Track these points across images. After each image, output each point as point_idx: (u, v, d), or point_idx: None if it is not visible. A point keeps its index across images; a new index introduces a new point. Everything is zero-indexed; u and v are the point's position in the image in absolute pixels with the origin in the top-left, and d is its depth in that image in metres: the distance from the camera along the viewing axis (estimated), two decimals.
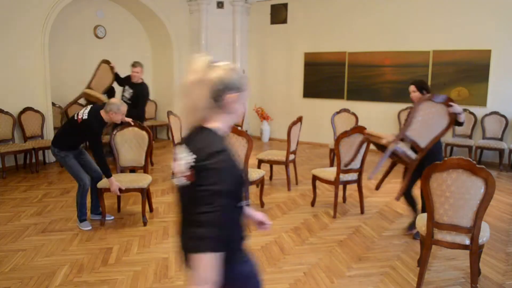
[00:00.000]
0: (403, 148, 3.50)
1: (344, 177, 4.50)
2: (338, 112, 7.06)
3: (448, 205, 2.81)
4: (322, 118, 8.52)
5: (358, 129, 4.36)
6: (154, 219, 4.42)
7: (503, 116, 6.93)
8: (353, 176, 4.56)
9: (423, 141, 3.55)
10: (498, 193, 5.46)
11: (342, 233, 4.07)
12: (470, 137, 7.20)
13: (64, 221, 4.34)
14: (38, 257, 3.49)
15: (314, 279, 3.18)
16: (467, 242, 2.82)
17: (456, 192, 2.76)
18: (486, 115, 7.07)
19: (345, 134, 4.34)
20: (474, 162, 2.68)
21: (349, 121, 7.00)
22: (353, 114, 7.02)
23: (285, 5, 9.21)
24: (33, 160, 6.45)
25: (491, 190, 2.66)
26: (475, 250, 2.80)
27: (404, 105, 7.86)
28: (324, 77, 8.84)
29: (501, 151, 6.67)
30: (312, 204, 4.90)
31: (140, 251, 3.64)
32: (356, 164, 4.47)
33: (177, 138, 6.00)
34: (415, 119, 3.54)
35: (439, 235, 2.91)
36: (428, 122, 3.55)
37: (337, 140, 4.36)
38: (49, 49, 6.92)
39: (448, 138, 7.35)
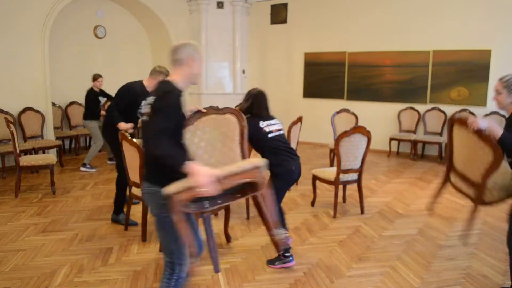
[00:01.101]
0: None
1: (344, 177, 4.50)
2: (338, 112, 7.06)
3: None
4: (322, 118, 8.51)
5: (358, 129, 4.35)
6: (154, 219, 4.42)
7: (503, 116, 6.93)
8: (353, 176, 4.56)
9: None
10: None
11: (342, 233, 4.07)
12: None
13: (64, 221, 4.35)
14: (38, 257, 3.49)
15: (314, 279, 3.18)
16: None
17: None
18: (486, 115, 7.07)
19: (345, 134, 4.31)
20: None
21: (349, 121, 7.00)
22: (353, 114, 7.02)
23: (285, 5, 9.21)
24: None
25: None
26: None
27: (404, 105, 7.87)
28: (324, 77, 8.84)
29: None
30: (312, 204, 4.90)
31: (140, 251, 3.64)
32: (356, 164, 4.47)
33: None
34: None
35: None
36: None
37: (337, 140, 4.34)
38: (49, 49, 6.92)
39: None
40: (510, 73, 2.66)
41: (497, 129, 2.53)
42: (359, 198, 4.67)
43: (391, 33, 7.93)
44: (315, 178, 4.81)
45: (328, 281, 3.14)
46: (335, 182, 4.46)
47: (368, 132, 4.38)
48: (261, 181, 2.17)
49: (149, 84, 4.13)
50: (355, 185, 4.67)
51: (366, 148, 4.45)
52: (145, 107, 2.19)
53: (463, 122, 2.79)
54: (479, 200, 2.80)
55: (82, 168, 6.50)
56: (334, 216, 4.48)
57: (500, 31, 6.92)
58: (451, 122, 3.11)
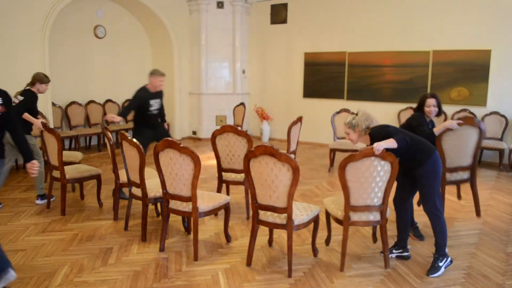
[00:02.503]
0: None
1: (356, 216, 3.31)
2: (338, 112, 7.07)
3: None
4: (322, 118, 8.51)
5: (368, 152, 3.05)
6: (154, 219, 4.43)
7: (503, 116, 6.94)
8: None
9: None
10: (498, 193, 5.46)
11: (342, 233, 4.05)
12: None
13: (64, 221, 4.35)
14: (38, 257, 3.50)
15: (314, 279, 3.18)
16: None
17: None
18: (486, 115, 7.07)
19: (353, 158, 3.07)
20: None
21: None
22: (353, 114, 7.01)
23: (285, 5, 9.21)
24: None
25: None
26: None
27: (404, 105, 7.86)
28: (324, 77, 8.84)
29: (501, 151, 6.67)
30: (327, 243, 3.86)
31: (140, 251, 3.64)
32: (372, 200, 3.25)
33: None
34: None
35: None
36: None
37: (343, 165, 3.12)
38: (49, 49, 6.92)
39: None
40: (350, 117, 3.42)
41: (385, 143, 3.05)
42: None
43: (391, 33, 7.93)
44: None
45: (328, 281, 3.14)
46: (345, 222, 3.31)
47: (390, 155, 3.09)
48: None
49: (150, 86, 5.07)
50: None
51: (390, 179, 3.18)
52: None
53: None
54: None
55: None
56: None
57: (500, 31, 6.92)
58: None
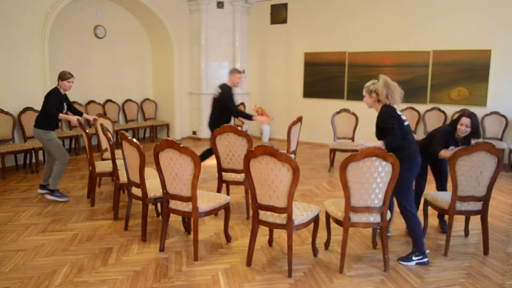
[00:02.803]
0: None
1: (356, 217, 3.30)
2: (338, 112, 7.07)
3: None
4: (322, 118, 8.51)
5: (369, 151, 3.04)
6: (154, 219, 4.43)
7: (503, 116, 6.94)
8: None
9: None
10: (498, 193, 5.46)
11: (342, 233, 4.05)
12: None
13: (64, 221, 4.35)
14: (38, 257, 3.50)
15: (314, 279, 3.18)
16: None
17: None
18: (486, 115, 7.08)
19: (354, 158, 3.04)
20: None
21: (349, 121, 7.01)
22: (353, 114, 7.02)
23: (285, 5, 9.21)
24: (33, 160, 6.46)
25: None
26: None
27: (404, 105, 7.85)
28: (324, 77, 8.84)
29: (501, 151, 6.66)
30: (326, 246, 3.79)
31: (140, 251, 3.65)
32: (373, 202, 3.23)
33: None
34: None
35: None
36: None
37: (344, 165, 3.09)
38: (49, 49, 6.92)
39: None
40: (371, 81, 3.51)
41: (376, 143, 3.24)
42: None
43: (391, 33, 7.93)
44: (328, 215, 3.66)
45: (328, 281, 3.14)
46: (345, 223, 3.29)
47: (392, 156, 3.07)
48: None
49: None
50: None
51: (391, 181, 3.16)
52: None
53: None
54: None
55: None
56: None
57: (500, 31, 6.92)
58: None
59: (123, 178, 4.26)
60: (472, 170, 3.44)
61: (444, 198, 3.72)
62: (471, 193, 3.51)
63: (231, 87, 5.53)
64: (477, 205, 3.58)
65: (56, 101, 4.88)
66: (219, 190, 4.51)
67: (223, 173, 4.51)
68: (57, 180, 5.02)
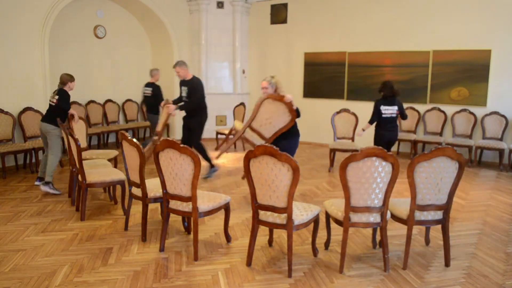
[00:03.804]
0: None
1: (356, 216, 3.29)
2: (338, 112, 7.07)
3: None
4: (322, 118, 8.52)
5: (370, 151, 3.03)
6: (154, 219, 4.43)
7: (503, 116, 6.94)
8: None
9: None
10: (498, 193, 5.47)
11: (341, 233, 4.05)
12: (470, 137, 7.21)
13: (64, 221, 4.35)
14: (38, 257, 3.49)
15: (314, 279, 3.18)
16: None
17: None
18: (486, 115, 7.08)
19: (354, 157, 3.05)
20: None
21: (349, 121, 7.01)
22: (353, 114, 7.02)
23: (285, 5, 9.21)
24: (33, 160, 6.45)
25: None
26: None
27: (404, 105, 7.83)
28: (324, 77, 8.84)
29: (501, 151, 6.68)
30: (326, 246, 3.77)
31: (140, 251, 3.65)
32: (372, 202, 3.23)
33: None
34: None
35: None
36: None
37: (344, 165, 3.08)
38: (49, 49, 6.92)
39: (448, 138, 7.35)
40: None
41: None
42: None
43: (391, 33, 7.93)
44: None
45: (328, 281, 3.14)
46: (345, 223, 3.28)
47: (391, 156, 3.10)
48: None
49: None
50: None
51: (391, 181, 3.18)
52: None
53: (279, 98, 4.46)
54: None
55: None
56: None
57: (500, 31, 6.92)
58: (267, 97, 4.55)
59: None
60: (431, 177, 3.20)
61: (401, 206, 3.44)
62: (431, 202, 3.28)
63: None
64: (438, 214, 3.34)
65: (69, 99, 5.38)
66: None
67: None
68: (51, 172, 5.23)
